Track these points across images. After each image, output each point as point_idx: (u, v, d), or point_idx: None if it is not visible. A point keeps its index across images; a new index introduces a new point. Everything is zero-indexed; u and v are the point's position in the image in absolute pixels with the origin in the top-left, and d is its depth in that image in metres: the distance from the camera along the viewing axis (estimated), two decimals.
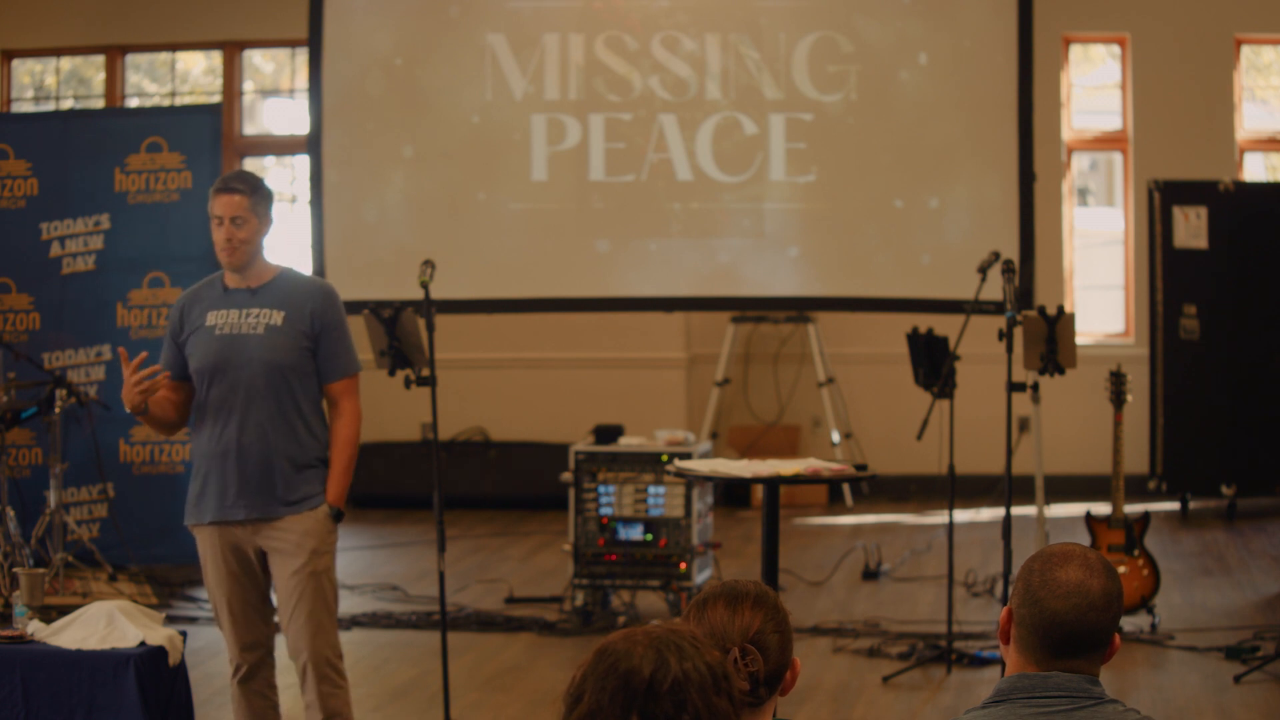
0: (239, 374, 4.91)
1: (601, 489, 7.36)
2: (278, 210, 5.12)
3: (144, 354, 4.85)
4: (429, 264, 6.04)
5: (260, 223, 4.97)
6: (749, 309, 9.90)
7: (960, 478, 6.87)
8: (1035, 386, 6.93)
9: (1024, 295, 7.28)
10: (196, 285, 5.13)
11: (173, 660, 4.79)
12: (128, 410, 4.83)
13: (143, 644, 4.73)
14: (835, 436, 10.59)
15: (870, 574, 8.33)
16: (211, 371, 4.93)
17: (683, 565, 7.31)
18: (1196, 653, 6.76)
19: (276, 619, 5.06)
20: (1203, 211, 9.80)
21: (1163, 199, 9.85)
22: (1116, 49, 11.00)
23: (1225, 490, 9.75)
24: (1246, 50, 10.84)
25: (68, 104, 11.54)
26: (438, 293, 6.18)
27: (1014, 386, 6.31)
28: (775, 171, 8.11)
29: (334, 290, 5.14)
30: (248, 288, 5.00)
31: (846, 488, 10.62)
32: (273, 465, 4.90)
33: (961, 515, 9.22)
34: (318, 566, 4.94)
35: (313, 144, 8.08)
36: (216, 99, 11.28)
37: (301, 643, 4.96)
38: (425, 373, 6.08)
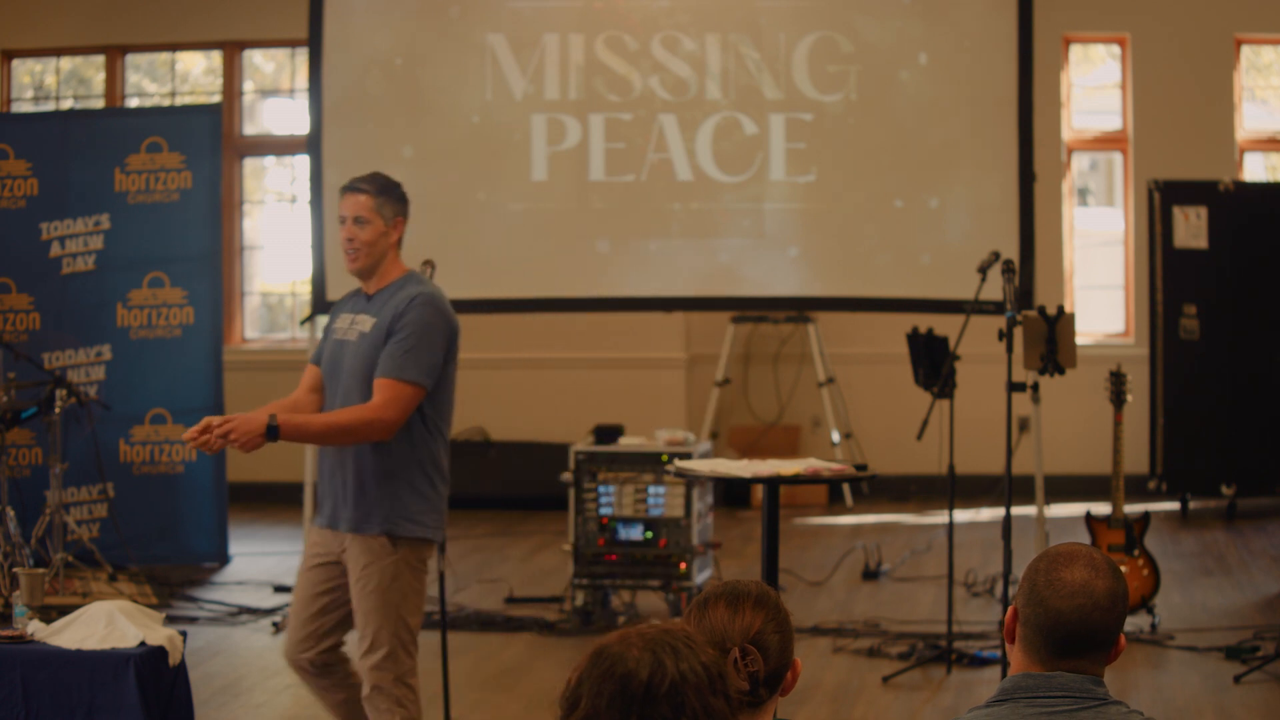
0: (340, 383, 4.81)
1: (601, 489, 7.35)
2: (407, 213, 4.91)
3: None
4: (429, 264, 6.03)
5: (387, 225, 4.81)
6: (749, 309, 9.89)
7: (960, 478, 6.87)
8: (1035, 386, 6.92)
9: (1024, 295, 7.28)
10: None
11: (173, 660, 4.78)
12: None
13: (143, 644, 4.73)
14: (835, 436, 10.59)
15: (870, 574, 8.33)
16: (326, 378, 4.88)
17: (683, 565, 7.31)
18: (1196, 653, 6.75)
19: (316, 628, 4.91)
20: (1203, 211, 9.80)
21: (1163, 199, 9.85)
22: (1116, 49, 11.00)
23: (1225, 490, 9.75)
24: (1246, 50, 10.84)
25: (68, 104, 11.53)
26: None
27: (1014, 386, 6.31)
28: (775, 171, 8.11)
29: (429, 297, 4.79)
30: (368, 294, 4.89)
31: (846, 488, 10.61)
32: (363, 478, 4.75)
33: (961, 515, 9.21)
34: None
35: (313, 144, 8.08)
36: (216, 99, 11.28)
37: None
38: None
